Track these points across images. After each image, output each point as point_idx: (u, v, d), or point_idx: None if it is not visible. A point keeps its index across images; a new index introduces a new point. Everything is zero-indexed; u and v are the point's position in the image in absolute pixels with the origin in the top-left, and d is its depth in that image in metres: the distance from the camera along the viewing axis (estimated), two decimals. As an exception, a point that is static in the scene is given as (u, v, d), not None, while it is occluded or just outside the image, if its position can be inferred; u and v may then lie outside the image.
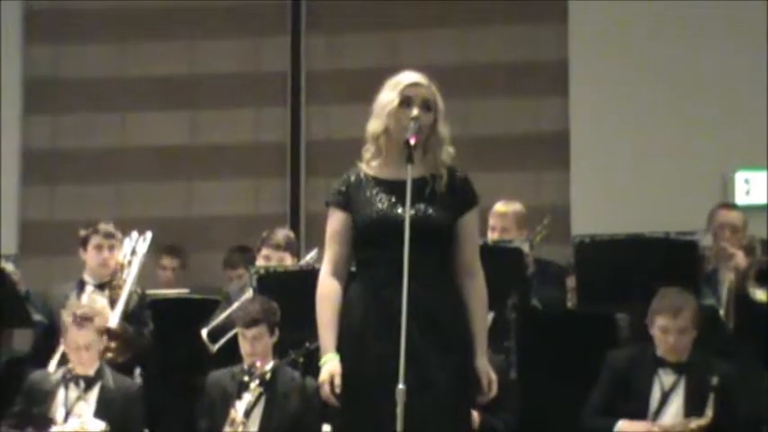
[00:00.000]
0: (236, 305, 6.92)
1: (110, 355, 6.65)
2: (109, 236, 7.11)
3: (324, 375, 4.35)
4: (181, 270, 8.92)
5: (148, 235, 7.21)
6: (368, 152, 4.53)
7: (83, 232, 7.13)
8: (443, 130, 4.51)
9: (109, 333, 6.63)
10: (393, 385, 4.16)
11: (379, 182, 4.48)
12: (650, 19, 8.78)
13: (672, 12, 8.72)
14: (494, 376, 4.43)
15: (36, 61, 9.62)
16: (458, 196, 4.49)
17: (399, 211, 4.37)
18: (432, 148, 4.49)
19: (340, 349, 4.38)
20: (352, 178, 4.52)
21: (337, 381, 4.31)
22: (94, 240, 7.09)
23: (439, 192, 4.45)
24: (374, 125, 4.50)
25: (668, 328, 6.08)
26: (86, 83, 9.51)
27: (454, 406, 4.35)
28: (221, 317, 7.00)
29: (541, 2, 9.04)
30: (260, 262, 7.25)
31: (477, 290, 4.47)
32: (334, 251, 4.50)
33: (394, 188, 4.41)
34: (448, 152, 4.51)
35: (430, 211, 4.41)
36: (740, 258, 6.70)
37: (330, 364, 4.35)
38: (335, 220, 4.51)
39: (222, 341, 6.88)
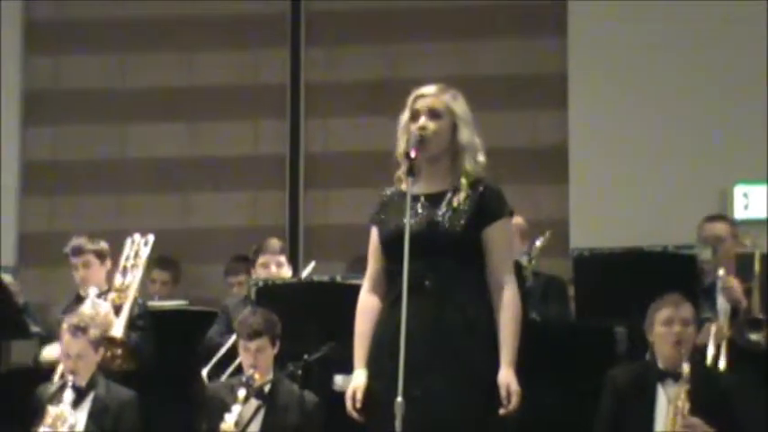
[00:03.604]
0: (229, 342, 6.88)
1: (118, 362, 6.59)
2: (77, 253, 6.93)
3: (348, 390, 4.45)
4: (173, 284, 8.63)
5: (150, 238, 7.13)
6: (400, 172, 4.54)
7: None
8: (466, 136, 4.53)
9: (114, 342, 6.57)
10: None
11: (405, 197, 4.48)
12: (649, 33, 8.78)
13: (671, 26, 8.73)
14: (515, 388, 4.39)
15: (36, 72, 9.61)
16: (480, 208, 4.48)
17: (411, 223, 4.36)
18: (457, 157, 4.51)
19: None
20: (388, 195, 4.60)
21: (359, 395, 4.40)
22: (70, 260, 6.98)
23: (456, 203, 4.46)
24: (399, 146, 4.55)
25: (672, 318, 5.99)
26: (86, 94, 9.51)
27: (458, 419, 4.35)
28: (219, 354, 6.94)
29: (541, 15, 9.05)
30: (258, 271, 7.21)
31: (503, 303, 4.45)
32: (371, 268, 4.61)
33: (417, 201, 4.45)
34: (475, 161, 4.53)
35: (438, 221, 4.43)
36: (738, 293, 6.67)
37: (355, 380, 4.46)
38: (372, 237, 4.61)
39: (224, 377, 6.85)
